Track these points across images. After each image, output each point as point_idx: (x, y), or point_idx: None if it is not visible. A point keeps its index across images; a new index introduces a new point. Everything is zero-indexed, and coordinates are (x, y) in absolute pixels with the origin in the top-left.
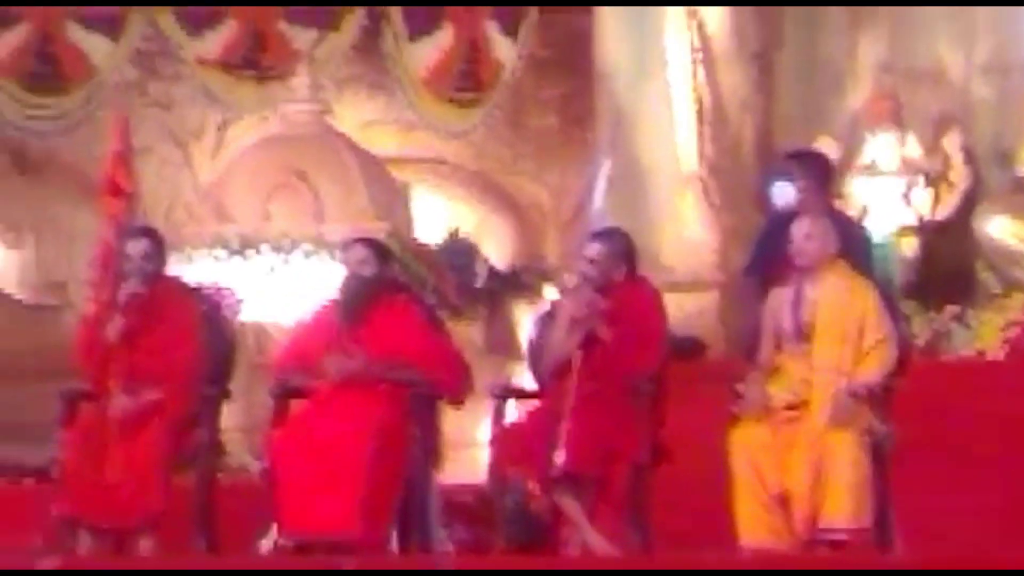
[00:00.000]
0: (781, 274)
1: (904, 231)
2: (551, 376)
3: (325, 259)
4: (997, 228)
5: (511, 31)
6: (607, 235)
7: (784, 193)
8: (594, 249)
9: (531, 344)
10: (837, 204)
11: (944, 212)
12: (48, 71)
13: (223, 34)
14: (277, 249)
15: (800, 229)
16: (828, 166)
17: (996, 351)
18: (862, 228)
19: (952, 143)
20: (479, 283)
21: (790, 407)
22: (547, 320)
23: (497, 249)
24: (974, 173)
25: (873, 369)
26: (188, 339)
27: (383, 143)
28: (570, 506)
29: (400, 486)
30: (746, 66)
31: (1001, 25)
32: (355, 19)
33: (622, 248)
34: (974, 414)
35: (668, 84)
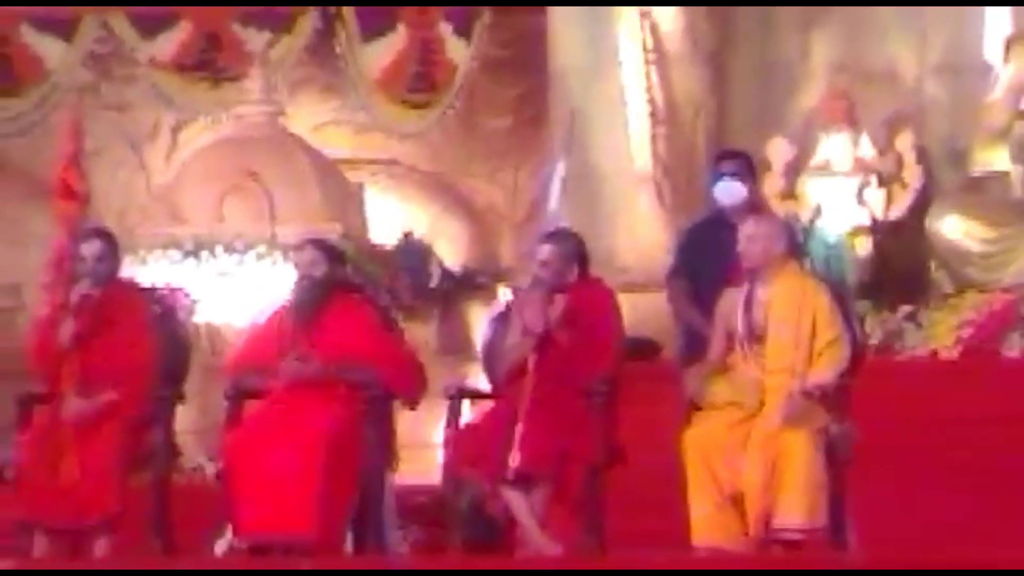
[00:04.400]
0: (722, 274)
1: (857, 231)
2: (506, 377)
3: (278, 260)
4: (950, 228)
5: (465, 32)
6: (558, 237)
7: (730, 191)
8: (546, 251)
9: (486, 345)
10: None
11: (897, 212)
12: (1, 73)
13: (176, 36)
14: (231, 251)
15: (745, 230)
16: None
17: (949, 350)
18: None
19: (905, 143)
20: (433, 284)
21: (743, 407)
22: (501, 321)
23: (451, 250)
24: (927, 173)
25: (826, 369)
26: (142, 341)
27: (336, 144)
28: (520, 508)
29: (355, 487)
30: (699, 67)
31: (953, 26)
32: (308, 21)
33: (574, 249)
34: (927, 414)
35: (622, 85)
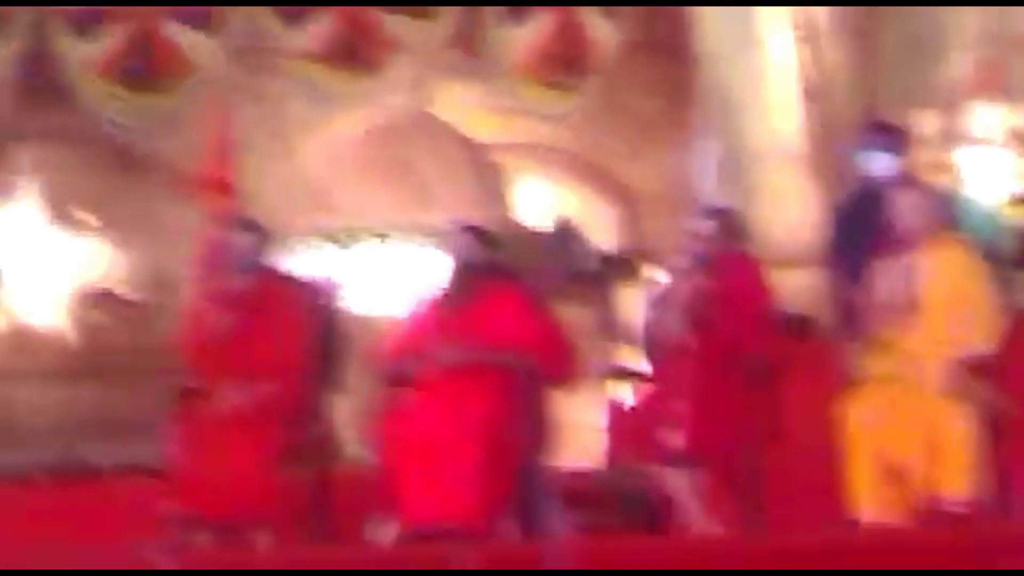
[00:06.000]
0: (877, 247)
1: (1013, 201)
2: (664, 358)
3: (430, 247)
4: None
5: (610, 14)
6: (719, 213)
7: (882, 165)
8: (706, 226)
9: (645, 326)
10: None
11: None
12: (149, 70)
13: (321, 27)
14: (382, 239)
15: (906, 201)
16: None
17: None
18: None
19: None
20: (584, 266)
21: (902, 380)
22: (659, 302)
23: (601, 232)
24: None
25: (984, 340)
26: (296, 331)
27: (485, 130)
28: (681, 489)
29: (513, 472)
30: (849, 41)
31: None
32: (452, 7)
33: (733, 226)
34: None
35: (769, 62)
